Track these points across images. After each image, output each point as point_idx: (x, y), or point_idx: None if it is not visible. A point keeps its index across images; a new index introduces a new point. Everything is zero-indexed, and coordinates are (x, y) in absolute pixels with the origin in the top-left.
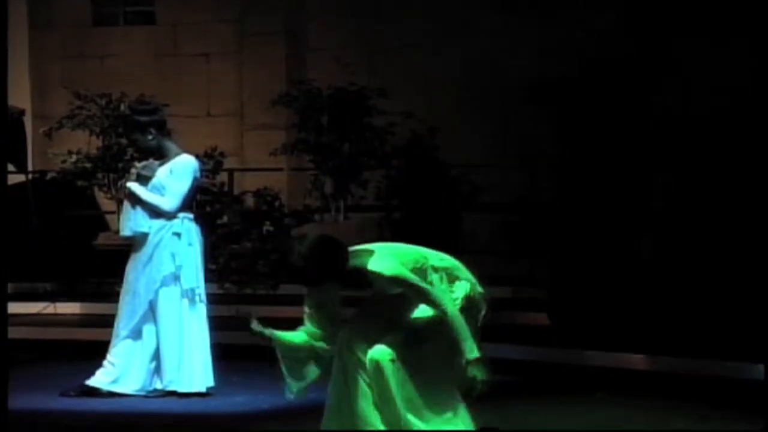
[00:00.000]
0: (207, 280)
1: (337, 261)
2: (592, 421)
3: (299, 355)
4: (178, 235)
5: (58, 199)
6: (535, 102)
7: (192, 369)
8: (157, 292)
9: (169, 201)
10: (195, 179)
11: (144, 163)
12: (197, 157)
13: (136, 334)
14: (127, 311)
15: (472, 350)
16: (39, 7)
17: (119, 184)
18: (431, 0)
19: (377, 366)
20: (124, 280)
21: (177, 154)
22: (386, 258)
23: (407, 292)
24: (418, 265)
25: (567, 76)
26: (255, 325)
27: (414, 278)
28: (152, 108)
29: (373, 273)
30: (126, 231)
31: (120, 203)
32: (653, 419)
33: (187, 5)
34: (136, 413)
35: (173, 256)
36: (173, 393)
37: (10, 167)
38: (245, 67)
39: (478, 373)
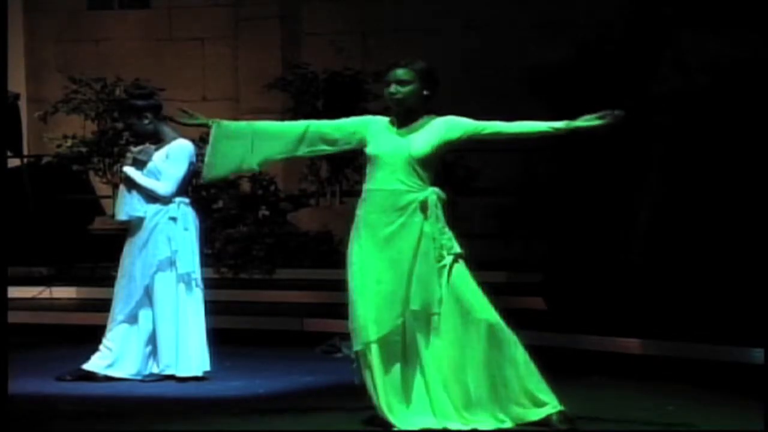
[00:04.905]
0: (203, 264)
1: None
2: (588, 404)
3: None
4: (174, 219)
5: (53, 183)
6: (534, 90)
7: (188, 353)
8: (153, 277)
9: (165, 185)
10: (191, 164)
11: (140, 147)
12: (193, 141)
13: (132, 319)
14: (123, 296)
15: None
16: None
17: (115, 168)
18: None
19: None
20: (120, 264)
21: (173, 139)
22: None
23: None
24: None
25: (565, 58)
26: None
27: None
28: (148, 92)
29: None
30: (122, 215)
31: (115, 187)
32: (649, 402)
33: None
34: (133, 397)
35: (169, 240)
36: (169, 377)
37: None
38: (240, 52)
39: None
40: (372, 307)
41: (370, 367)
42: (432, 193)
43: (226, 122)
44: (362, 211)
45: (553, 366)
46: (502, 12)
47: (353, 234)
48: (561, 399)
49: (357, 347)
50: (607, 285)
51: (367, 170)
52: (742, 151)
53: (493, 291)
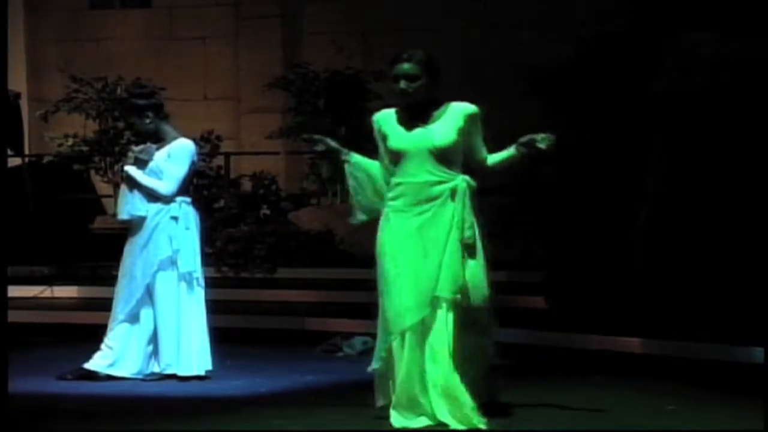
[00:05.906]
0: (204, 263)
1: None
2: (589, 403)
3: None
4: (175, 219)
5: (54, 182)
6: (534, 90)
7: (189, 352)
8: (154, 276)
9: (166, 185)
10: (192, 163)
11: (141, 146)
12: (194, 140)
13: (134, 318)
14: (125, 295)
15: None
16: None
17: (116, 167)
18: None
19: None
20: (121, 263)
21: (174, 138)
22: None
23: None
24: None
25: (566, 58)
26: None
27: None
28: (150, 91)
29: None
30: (123, 215)
31: (117, 187)
32: (650, 402)
33: None
34: (134, 397)
35: (170, 239)
36: (171, 376)
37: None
38: (242, 51)
39: None
40: (408, 294)
41: (398, 357)
42: (462, 181)
43: (357, 158)
44: (393, 203)
45: (553, 366)
46: (502, 12)
47: (383, 225)
48: (561, 398)
49: (395, 333)
50: (608, 284)
51: (393, 164)
52: (743, 150)
53: (494, 290)
